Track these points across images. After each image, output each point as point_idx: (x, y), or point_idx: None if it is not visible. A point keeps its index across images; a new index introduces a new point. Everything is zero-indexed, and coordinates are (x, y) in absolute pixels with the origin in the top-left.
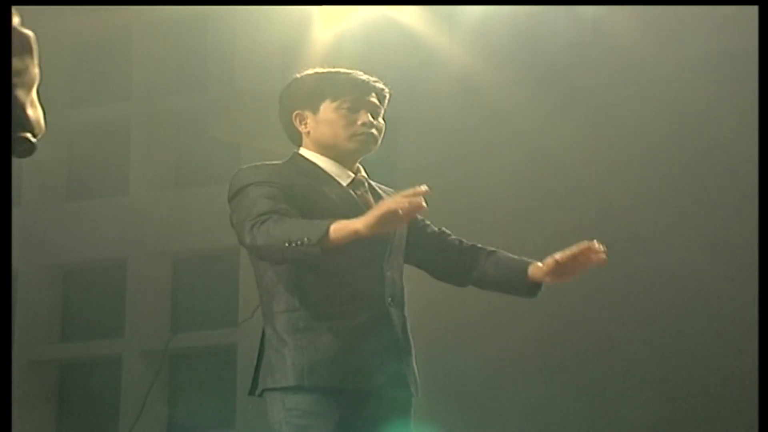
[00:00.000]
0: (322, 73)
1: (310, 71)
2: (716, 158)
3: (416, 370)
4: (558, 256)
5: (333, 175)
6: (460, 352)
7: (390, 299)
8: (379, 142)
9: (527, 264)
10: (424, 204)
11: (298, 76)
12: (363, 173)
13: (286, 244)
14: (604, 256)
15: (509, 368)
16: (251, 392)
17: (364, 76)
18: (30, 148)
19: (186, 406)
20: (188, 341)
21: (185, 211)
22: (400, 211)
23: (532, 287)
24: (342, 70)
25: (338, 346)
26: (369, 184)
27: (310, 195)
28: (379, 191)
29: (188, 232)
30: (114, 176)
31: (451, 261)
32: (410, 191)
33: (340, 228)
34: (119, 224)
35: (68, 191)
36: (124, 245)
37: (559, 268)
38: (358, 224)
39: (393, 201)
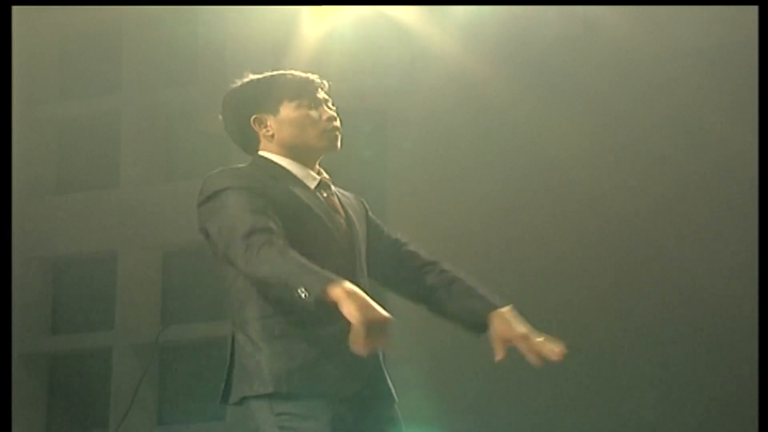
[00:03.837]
0: (270, 76)
1: (252, 77)
2: (711, 152)
3: (388, 376)
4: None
5: (300, 177)
6: (459, 352)
7: None
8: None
9: (488, 310)
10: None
11: (240, 82)
12: (325, 175)
13: (285, 286)
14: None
15: (509, 368)
16: (223, 400)
17: (305, 74)
18: None
19: (176, 398)
20: (179, 334)
21: (176, 204)
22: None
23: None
24: (285, 71)
25: (314, 353)
26: (332, 186)
27: (283, 198)
28: (341, 195)
29: (179, 225)
30: (104, 169)
31: (406, 276)
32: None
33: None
34: (110, 217)
35: (58, 184)
36: (115, 238)
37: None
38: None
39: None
